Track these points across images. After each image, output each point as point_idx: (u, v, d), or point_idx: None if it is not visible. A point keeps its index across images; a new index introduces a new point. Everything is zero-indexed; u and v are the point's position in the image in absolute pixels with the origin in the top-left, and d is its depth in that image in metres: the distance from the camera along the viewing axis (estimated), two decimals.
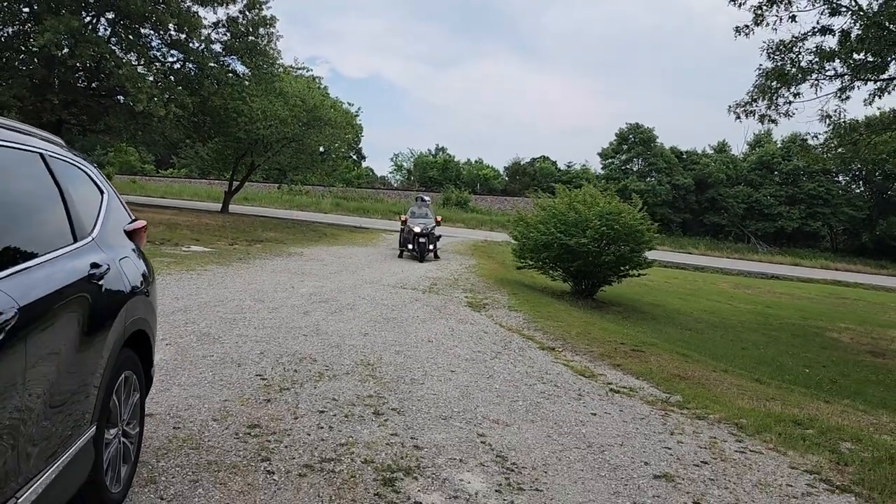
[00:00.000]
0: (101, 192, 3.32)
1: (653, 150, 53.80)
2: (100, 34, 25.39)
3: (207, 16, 27.86)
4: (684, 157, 55.14)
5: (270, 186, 53.89)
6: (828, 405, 6.87)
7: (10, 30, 24.54)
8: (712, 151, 56.48)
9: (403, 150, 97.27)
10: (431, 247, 17.79)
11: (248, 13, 28.08)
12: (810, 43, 13.92)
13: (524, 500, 3.68)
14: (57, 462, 2.38)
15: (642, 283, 19.30)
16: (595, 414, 5.43)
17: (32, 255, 2.40)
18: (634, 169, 54.93)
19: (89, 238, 2.91)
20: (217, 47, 27.49)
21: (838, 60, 14.17)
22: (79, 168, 3.14)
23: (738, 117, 15.44)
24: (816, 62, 14.19)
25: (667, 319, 13.34)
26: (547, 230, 13.14)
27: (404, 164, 78.32)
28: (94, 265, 2.76)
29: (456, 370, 6.44)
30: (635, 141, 54.86)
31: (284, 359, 6.12)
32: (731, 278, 27.38)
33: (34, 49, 22.45)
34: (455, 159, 73.83)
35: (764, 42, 13.70)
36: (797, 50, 13.60)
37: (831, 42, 14.30)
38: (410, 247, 17.48)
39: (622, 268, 13.76)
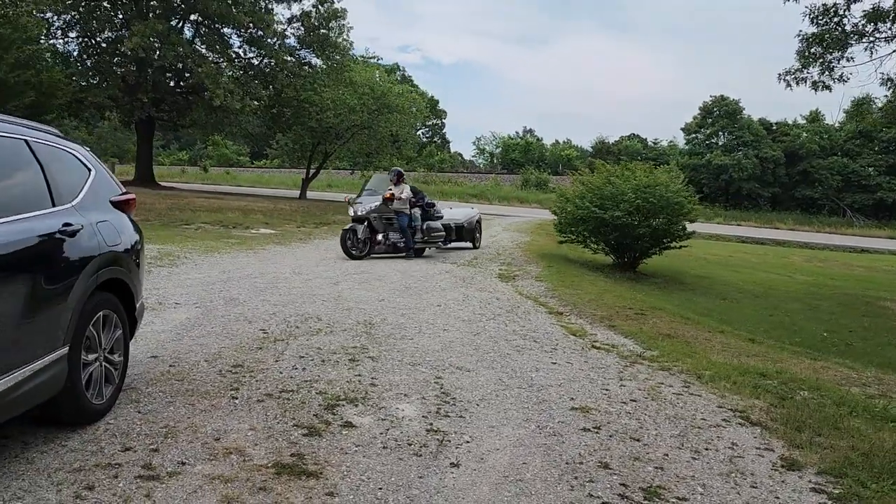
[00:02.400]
0: (89, 170, 4.19)
1: (739, 123, 51.91)
2: (185, 36, 27.21)
3: (284, 12, 29.33)
4: (774, 128, 52.92)
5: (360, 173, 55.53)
6: (812, 362, 7.08)
7: (107, 35, 26.71)
8: (804, 122, 53.84)
9: (491, 132, 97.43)
10: (394, 239, 13.07)
11: (320, 7, 29.28)
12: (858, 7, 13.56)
13: (444, 423, 4.31)
14: (30, 365, 3.23)
15: (700, 256, 19.25)
16: (556, 363, 5.96)
17: (20, 213, 3.30)
18: (720, 143, 53.19)
19: (69, 205, 3.77)
20: (292, 41, 28.84)
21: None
22: (65, 151, 4.02)
23: (789, 85, 15.18)
24: (867, 25, 13.78)
25: (705, 290, 13.43)
26: (582, 204, 13.49)
27: (486, 147, 78.73)
28: (67, 224, 3.61)
29: (448, 329, 7.08)
30: (720, 114, 53.03)
31: (292, 318, 6.96)
32: (809, 252, 26.51)
33: (126, 52, 24.43)
34: (539, 140, 73.73)
35: (806, 7, 13.44)
36: (842, 13, 13.27)
37: (888, 2, 13.85)
38: (349, 243, 12.43)
39: (664, 240, 13.90)
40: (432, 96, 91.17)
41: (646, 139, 63.14)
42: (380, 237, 12.84)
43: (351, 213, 12.98)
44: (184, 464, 3.46)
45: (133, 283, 4.27)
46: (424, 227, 13.40)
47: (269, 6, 28.73)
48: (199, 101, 26.05)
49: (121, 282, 4.12)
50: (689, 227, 14.55)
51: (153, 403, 4.25)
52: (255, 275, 9.74)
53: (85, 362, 3.77)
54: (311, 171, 30.86)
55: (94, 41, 26.65)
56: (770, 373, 6.18)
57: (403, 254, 13.03)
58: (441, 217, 14.30)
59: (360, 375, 5.19)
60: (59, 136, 4.10)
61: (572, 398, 4.94)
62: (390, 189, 13.00)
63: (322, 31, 29.01)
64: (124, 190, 4.57)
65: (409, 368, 5.49)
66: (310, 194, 32.54)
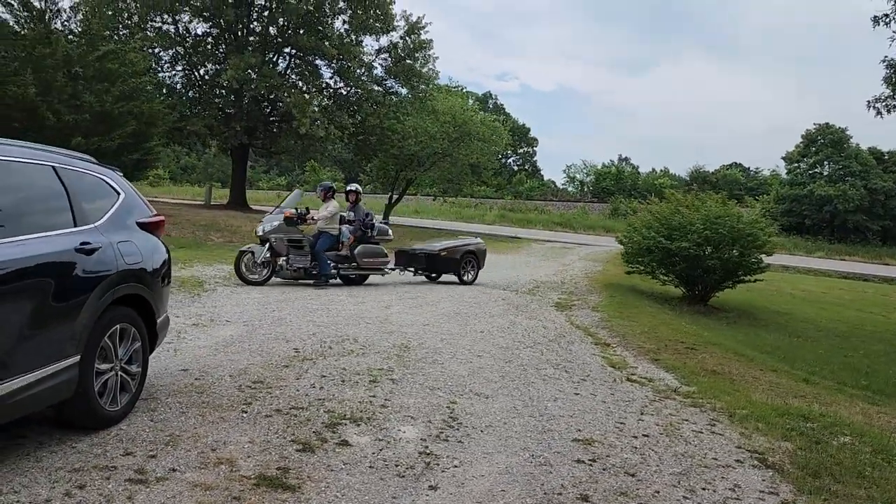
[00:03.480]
0: (118, 194, 4.54)
1: (845, 152, 49.21)
2: (279, 68, 28.60)
3: (373, 44, 30.45)
4: (885, 157, 49.84)
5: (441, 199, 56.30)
6: (868, 407, 6.66)
7: (208, 68, 28.45)
8: None
9: (585, 159, 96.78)
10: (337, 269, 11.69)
11: (408, 39, 30.12)
12: None
13: (440, 447, 4.35)
14: (41, 370, 3.54)
15: (786, 291, 18.34)
16: (578, 394, 5.87)
17: (42, 231, 3.67)
18: (823, 173, 50.54)
19: (91, 225, 4.11)
20: (379, 71, 29.75)
21: None
22: (94, 176, 4.39)
23: (879, 113, 14.41)
24: None
25: (780, 327, 12.78)
26: (648, 234, 13.19)
27: (577, 175, 78.15)
28: (85, 243, 3.93)
29: (482, 355, 7.10)
30: (824, 143, 50.48)
31: (329, 339, 7.17)
32: None
33: (224, 84, 25.94)
34: (633, 168, 72.64)
35: (894, 32, 12.74)
36: None
37: None
38: (244, 266, 10.93)
39: (737, 273, 13.38)
40: (524, 124, 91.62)
41: (748, 168, 61.02)
42: (281, 261, 11.34)
43: (259, 231, 11.37)
44: (174, 470, 3.66)
45: (154, 299, 4.57)
46: (355, 252, 11.84)
47: (360, 38, 29.87)
48: (289, 129, 27.27)
49: (141, 297, 4.42)
50: (767, 259, 13.95)
51: (167, 413, 4.52)
52: (311, 296, 10.08)
53: (99, 371, 4.07)
54: (394, 197, 31.55)
55: (196, 74, 28.46)
56: (813, 415, 5.86)
57: (313, 281, 11.40)
58: (386, 240, 12.58)
59: (374, 396, 5.30)
60: (92, 163, 4.49)
61: (579, 429, 4.87)
62: (295, 208, 11.58)
63: (408, 61, 29.83)
64: (154, 212, 4.91)
65: (426, 392, 5.56)
66: (395, 219, 33.24)
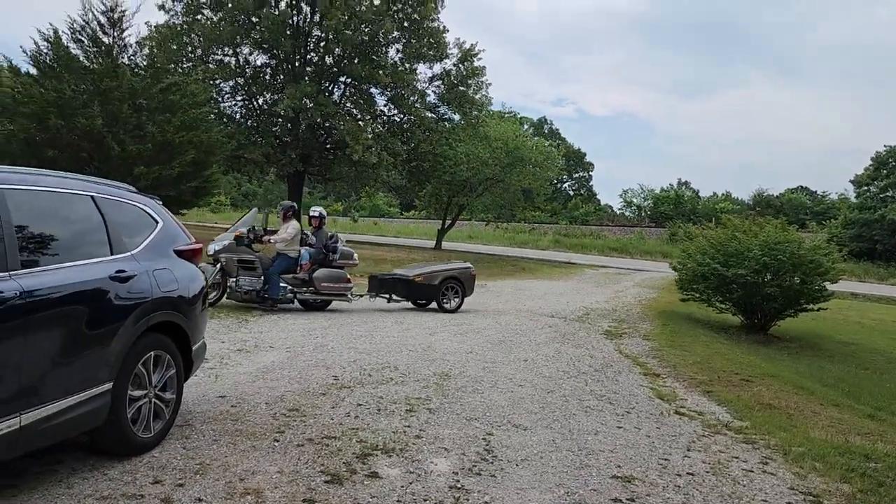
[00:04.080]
0: (156, 222, 4.62)
1: None
2: (334, 97, 29.22)
3: (426, 71, 30.81)
4: None
5: (493, 224, 56.28)
6: None
7: (266, 98, 29.26)
8: None
9: (643, 183, 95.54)
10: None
11: (461, 66, 30.39)
12: None
13: (471, 481, 4.23)
14: (73, 397, 3.59)
15: (855, 320, 17.51)
16: (621, 427, 5.65)
17: (79, 259, 3.74)
18: None
19: (127, 253, 4.18)
20: (431, 98, 30.09)
21: None
22: (133, 205, 4.48)
23: None
24: None
25: (846, 358, 12.14)
26: (703, 260, 12.79)
27: (634, 199, 77.03)
28: (120, 270, 4.00)
29: (524, 385, 6.94)
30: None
31: (369, 367, 7.13)
32: None
33: (281, 112, 26.61)
34: (692, 193, 71.31)
35: None
36: None
37: None
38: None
39: (799, 301, 12.82)
40: (579, 149, 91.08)
41: (814, 192, 59.06)
42: (231, 282, 10.83)
43: (210, 250, 10.75)
44: (200, 500, 3.64)
45: (189, 326, 4.61)
46: (314, 276, 11.06)
47: (413, 66, 30.29)
48: (343, 156, 27.73)
49: (175, 325, 4.47)
50: (833, 287, 13.35)
51: (200, 440, 4.52)
52: (357, 323, 10.09)
53: (132, 398, 4.11)
54: (447, 223, 31.62)
55: (255, 103, 29.29)
56: (877, 455, 5.49)
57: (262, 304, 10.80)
58: (350, 265, 11.71)
59: (409, 426, 5.21)
60: (131, 192, 4.59)
61: (619, 465, 4.66)
62: (251, 227, 11.07)
63: (461, 88, 30.06)
64: (193, 240, 4.98)
65: (463, 423, 5.44)
66: (447, 244, 33.32)
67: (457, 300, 12.41)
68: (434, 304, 12.38)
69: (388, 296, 12.35)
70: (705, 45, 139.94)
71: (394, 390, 6.27)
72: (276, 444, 4.59)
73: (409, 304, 12.63)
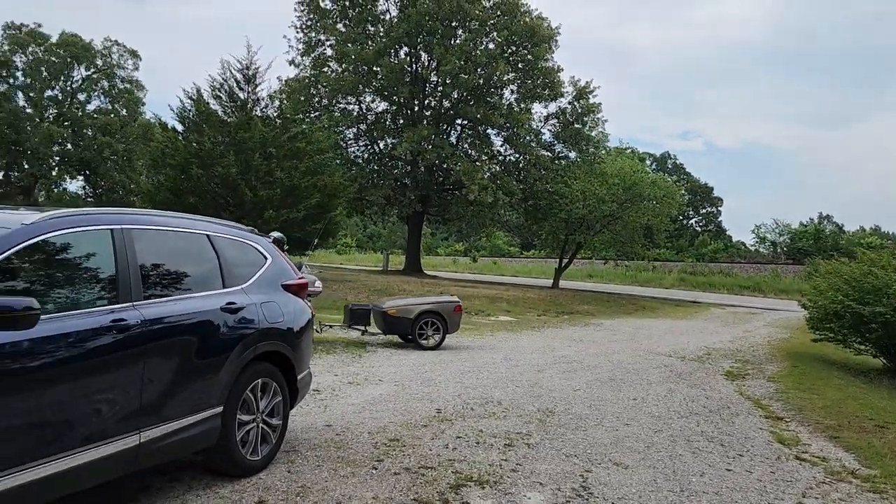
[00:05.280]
0: (266, 259, 4.98)
1: None
2: (451, 139, 30.03)
3: (541, 110, 31.10)
4: None
5: (613, 262, 54.95)
6: None
7: (387, 142, 30.52)
8: None
9: (778, 217, 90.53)
10: None
11: (576, 103, 30.42)
12: None
13: None
14: (186, 419, 3.92)
15: None
16: (731, 470, 5.37)
17: (194, 292, 4.11)
18: None
19: (238, 287, 4.54)
20: (546, 136, 30.26)
21: None
22: (245, 243, 4.86)
23: None
24: None
25: None
26: (836, 297, 11.90)
27: (767, 235, 73.00)
28: (230, 303, 4.34)
29: (630, 423, 6.75)
30: None
31: (473, 401, 7.20)
32: None
33: (400, 156, 27.64)
34: (837, 227, 66.82)
35: None
36: None
37: None
38: None
39: None
40: (705, 183, 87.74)
41: None
42: None
43: None
44: None
45: (295, 356, 4.89)
46: None
47: (528, 106, 30.63)
48: (459, 197, 28.30)
49: (282, 355, 4.76)
50: None
51: (304, 465, 4.76)
52: (465, 359, 10.21)
53: (241, 422, 4.41)
54: (565, 261, 31.33)
55: (376, 147, 30.61)
56: None
57: None
58: (314, 292, 10.63)
59: (506, 460, 5.22)
60: (244, 231, 4.99)
61: None
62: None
63: (576, 125, 30.01)
64: (300, 275, 5.31)
65: (561, 459, 5.38)
66: (566, 283, 32.93)
67: (437, 337, 11.49)
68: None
69: (362, 328, 11.97)
70: (850, 72, 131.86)
71: (494, 424, 6.30)
72: (374, 471, 4.75)
73: (397, 338, 11.94)
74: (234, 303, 4.38)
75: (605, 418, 6.90)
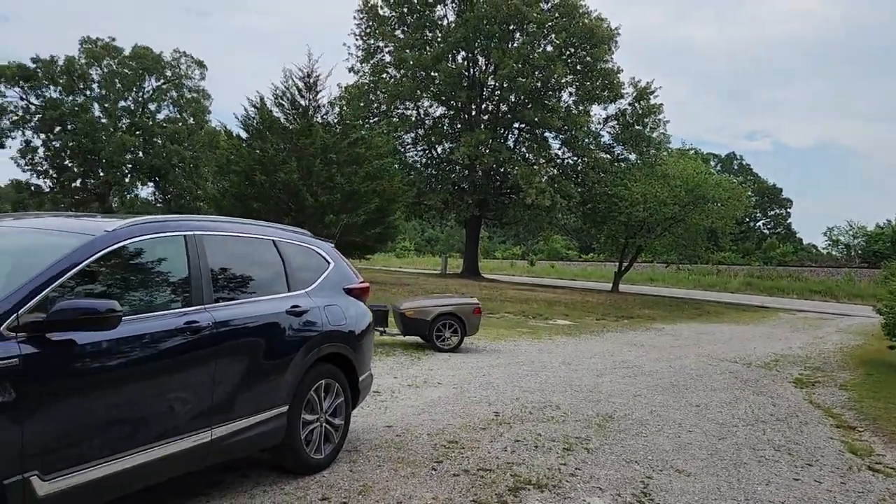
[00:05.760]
0: (329, 263, 5.12)
1: None
2: (508, 143, 30.00)
3: (600, 112, 30.80)
4: None
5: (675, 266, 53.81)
6: None
7: (444, 147, 30.72)
8: None
9: (852, 219, 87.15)
10: None
11: (636, 105, 30.00)
12: None
13: None
14: (254, 416, 4.07)
15: None
16: (798, 479, 5.23)
17: (261, 295, 4.27)
18: None
19: (302, 291, 4.68)
20: (606, 139, 29.92)
21: None
22: (309, 248, 5.01)
23: None
24: None
25: None
26: None
27: (841, 238, 70.21)
28: (295, 306, 4.49)
29: (693, 430, 6.64)
30: None
31: (531, 405, 7.20)
32: None
33: (458, 160, 27.78)
34: None
35: None
36: None
37: None
38: None
39: None
40: (774, 184, 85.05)
41: None
42: None
43: None
44: None
45: (356, 358, 5.01)
46: None
47: (587, 108, 30.34)
48: (517, 200, 28.25)
49: (344, 356, 4.89)
50: None
51: (365, 465, 4.87)
52: (524, 363, 10.20)
53: (305, 421, 4.55)
54: (624, 265, 30.88)
55: (434, 152, 30.83)
56: None
57: None
58: None
59: (565, 464, 5.22)
60: (308, 237, 5.14)
61: None
62: None
63: (637, 127, 29.57)
64: (361, 279, 5.43)
65: (621, 464, 5.35)
66: (625, 287, 32.44)
67: (455, 338, 11.26)
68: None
69: (380, 329, 11.37)
70: None
71: (553, 428, 6.29)
72: (434, 472, 4.82)
73: (421, 340, 11.79)
74: (298, 306, 4.52)
75: (667, 424, 6.80)
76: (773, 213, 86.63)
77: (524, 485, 4.68)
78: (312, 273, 4.90)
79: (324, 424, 4.73)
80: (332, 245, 5.42)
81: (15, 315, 2.87)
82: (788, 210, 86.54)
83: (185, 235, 3.89)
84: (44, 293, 3.00)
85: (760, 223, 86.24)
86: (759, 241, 78.03)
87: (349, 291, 5.20)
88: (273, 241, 4.65)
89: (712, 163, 74.49)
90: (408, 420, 6.24)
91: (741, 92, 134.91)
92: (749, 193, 32.52)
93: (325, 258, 5.14)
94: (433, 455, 5.21)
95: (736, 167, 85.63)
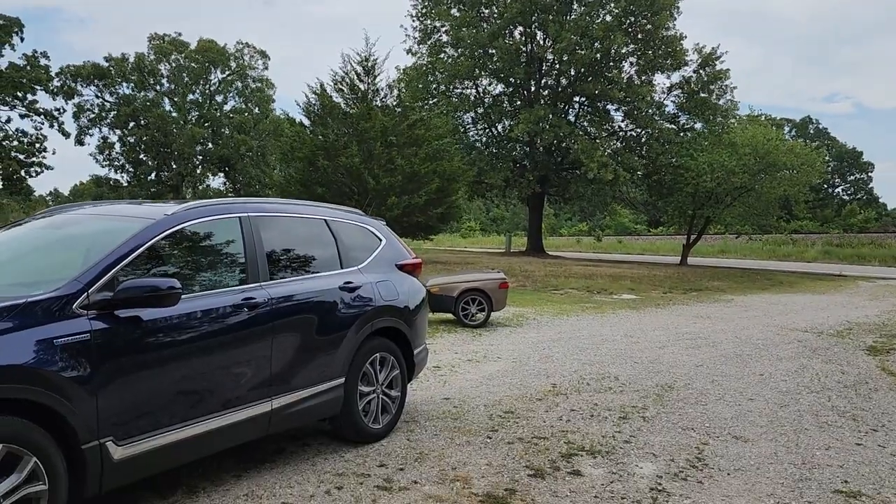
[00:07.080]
0: (380, 241, 5.28)
1: None
2: (569, 117, 29.61)
3: (664, 81, 29.97)
4: None
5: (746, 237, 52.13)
6: None
7: (504, 124, 30.56)
8: None
9: None
10: None
11: (701, 72, 29.13)
12: None
13: (675, 486, 4.20)
14: (313, 388, 4.29)
15: None
16: (860, 444, 5.13)
17: (314, 272, 4.48)
18: None
19: (355, 267, 4.86)
20: (670, 108, 29.15)
21: None
22: (361, 226, 5.18)
23: None
24: None
25: None
26: None
27: None
28: (348, 282, 4.67)
29: (755, 399, 6.56)
30: None
31: (590, 377, 7.23)
32: None
33: (518, 137, 27.62)
34: None
35: None
36: None
37: None
38: None
39: None
40: (853, 148, 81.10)
41: None
42: None
43: None
44: (416, 482, 4.11)
45: (410, 332, 5.17)
46: None
47: (650, 78, 29.60)
48: (579, 176, 27.91)
49: (398, 330, 5.05)
50: None
51: (422, 434, 5.04)
52: (584, 336, 10.20)
53: (362, 393, 4.74)
54: (693, 237, 30.14)
55: (494, 130, 30.72)
56: None
57: None
58: None
59: (620, 432, 5.27)
60: (359, 215, 5.32)
61: (846, 481, 4.29)
62: None
63: (702, 94, 28.72)
64: (413, 256, 5.58)
65: (677, 431, 5.36)
66: (695, 260, 31.73)
67: (482, 314, 11.12)
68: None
69: None
70: None
71: (610, 398, 6.33)
72: (489, 440, 4.95)
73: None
74: (351, 282, 4.70)
75: (728, 393, 6.73)
76: (852, 178, 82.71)
77: (577, 451, 4.76)
78: (364, 250, 5.07)
79: (380, 396, 4.91)
80: (384, 223, 5.57)
81: (85, 294, 3.12)
82: (870, 174, 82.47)
83: (239, 217, 4.11)
84: (111, 273, 3.25)
85: (840, 189, 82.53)
86: (838, 207, 74.69)
87: (402, 268, 5.35)
88: (325, 220, 4.84)
89: (785, 128, 71.49)
90: (465, 392, 6.39)
91: (818, 55, 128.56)
92: (825, 158, 31.09)
93: (376, 236, 5.30)
94: (489, 425, 5.34)
95: (812, 132, 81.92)
